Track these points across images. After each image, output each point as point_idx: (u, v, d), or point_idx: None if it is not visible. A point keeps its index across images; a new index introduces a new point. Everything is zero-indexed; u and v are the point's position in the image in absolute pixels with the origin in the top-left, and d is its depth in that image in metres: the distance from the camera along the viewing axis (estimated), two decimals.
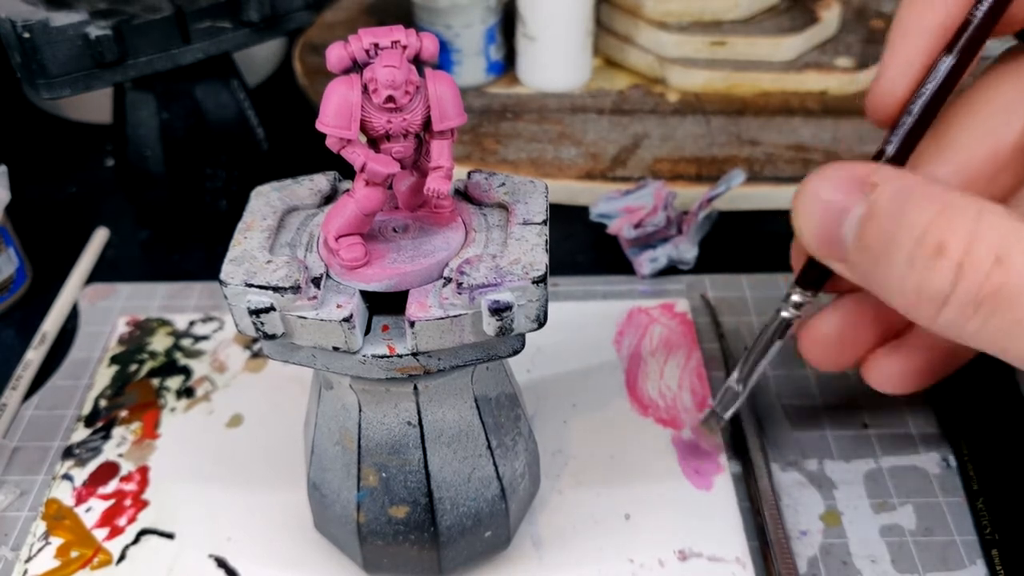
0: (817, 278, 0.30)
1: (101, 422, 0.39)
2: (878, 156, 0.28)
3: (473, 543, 0.30)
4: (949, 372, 0.32)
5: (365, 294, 0.25)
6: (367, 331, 0.25)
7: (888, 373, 0.32)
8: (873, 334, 0.32)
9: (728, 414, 0.34)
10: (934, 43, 0.28)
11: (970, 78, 0.28)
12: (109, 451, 0.37)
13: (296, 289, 0.24)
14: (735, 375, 0.33)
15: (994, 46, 0.30)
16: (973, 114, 0.29)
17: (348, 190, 0.26)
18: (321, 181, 0.28)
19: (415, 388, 0.27)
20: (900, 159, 0.28)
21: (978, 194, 0.28)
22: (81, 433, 0.38)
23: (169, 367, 0.41)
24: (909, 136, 0.28)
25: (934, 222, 0.23)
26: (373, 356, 0.25)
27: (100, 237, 0.49)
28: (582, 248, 0.48)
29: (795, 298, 0.31)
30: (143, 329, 0.43)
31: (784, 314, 0.31)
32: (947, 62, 0.27)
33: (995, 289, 0.22)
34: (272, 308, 0.24)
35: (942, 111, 0.28)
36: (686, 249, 0.45)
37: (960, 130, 0.29)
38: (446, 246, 0.26)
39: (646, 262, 0.45)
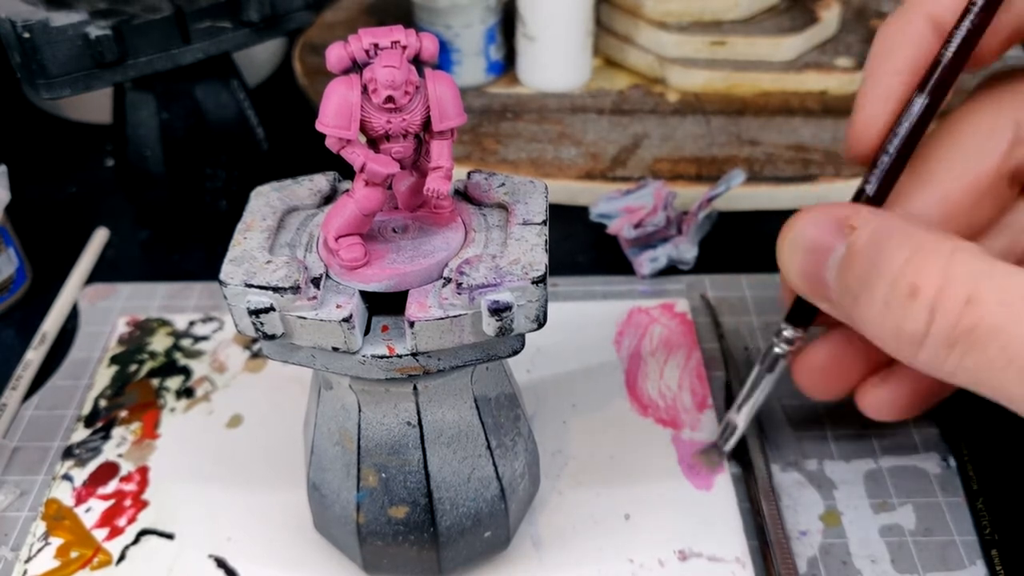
0: (806, 315, 0.31)
1: (101, 422, 0.39)
2: (859, 195, 0.29)
3: (473, 543, 0.30)
4: (940, 399, 0.33)
5: (365, 294, 0.25)
6: (367, 331, 0.25)
7: (880, 402, 0.32)
8: (863, 364, 0.33)
9: (728, 448, 0.35)
10: (907, 79, 0.28)
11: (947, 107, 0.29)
12: (109, 451, 0.37)
13: (296, 289, 0.24)
14: (734, 408, 0.35)
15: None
16: (951, 145, 0.30)
17: (348, 190, 0.26)
18: (321, 181, 0.28)
19: (415, 388, 0.27)
20: (880, 198, 0.29)
21: (960, 224, 0.29)
22: (81, 433, 0.38)
23: (169, 367, 0.41)
24: (887, 175, 0.28)
25: (908, 263, 0.23)
26: (373, 356, 0.25)
27: (100, 237, 0.49)
28: (582, 248, 0.48)
29: (786, 334, 0.32)
30: (143, 329, 0.43)
31: (776, 350, 0.33)
32: (919, 102, 0.28)
33: (968, 329, 0.22)
34: (272, 308, 0.24)
35: (920, 144, 0.28)
36: (686, 249, 0.45)
37: (939, 162, 0.30)
38: (446, 246, 0.26)
39: (646, 262, 0.45)
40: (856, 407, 0.33)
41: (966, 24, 0.26)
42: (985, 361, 0.22)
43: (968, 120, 0.30)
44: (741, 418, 0.34)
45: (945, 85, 0.27)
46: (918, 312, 0.23)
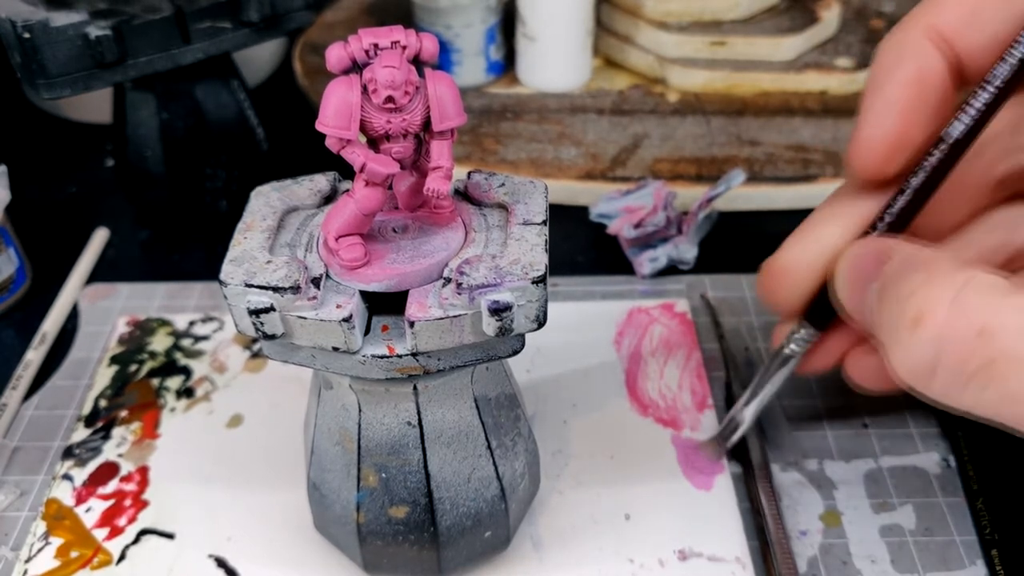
0: (825, 318, 0.31)
1: (101, 422, 0.39)
2: (873, 227, 0.29)
3: (473, 543, 0.30)
4: None
5: (365, 294, 0.25)
6: (367, 331, 0.25)
7: (867, 370, 0.32)
8: (853, 334, 0.32)
9: (731, 442, 0.35)
10: (911, 93, 0.28)
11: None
12: (109, 451, 0.37)
13: (296, 289, 0.24)
14: (740, 403, 0.35)
15: None
16: None
17: (348, 190, 0.26)
18: (321, 181, 0.28)
19: (415, 388, 0.27)
20: (899, 227, 0.28)
21: (933, 217, 0.28)
22: (81, 433, 0.38)
23: (169, 367, 0.41)
24: (905, 209, 0.28)
25: (914, 294, 0.23)
26: (373, 356, 0.25)
27: (100, 237, 0.49)
28: (582, 248, 0.48)
29: (801, 334, 0.32)
30: (143, 329, 0.43)
31: (790, 347, 0.32)
32: (937, 153, 0.27)
33: (986, 362, 0.21)
34: (272, 308, 0.24)
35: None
36: (686, 249, 0.45)
37: None
38: (446, 246, 0.26)
39: (646, 262, 0.45)
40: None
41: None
42: (1008, 394, 0.21)
43: None
44: (747, 414, 0.34)
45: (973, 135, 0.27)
46: (922, 343, 0.22)
